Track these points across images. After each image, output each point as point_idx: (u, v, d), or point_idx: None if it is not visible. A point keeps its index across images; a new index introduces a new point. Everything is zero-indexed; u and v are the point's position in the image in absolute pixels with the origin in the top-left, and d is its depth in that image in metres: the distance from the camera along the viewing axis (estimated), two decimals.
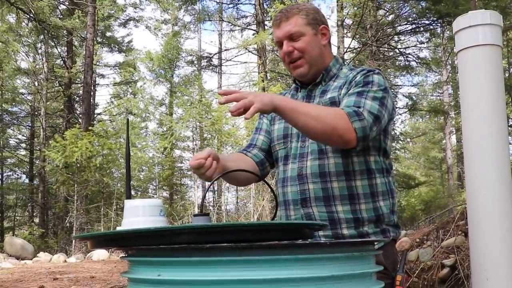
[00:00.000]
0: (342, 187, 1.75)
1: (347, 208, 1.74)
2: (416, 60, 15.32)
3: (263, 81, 14.75)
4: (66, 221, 15.63)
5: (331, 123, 1.58)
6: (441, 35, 14.75)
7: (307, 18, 1.84)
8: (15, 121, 23.29)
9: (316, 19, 1.86)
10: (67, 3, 19.44)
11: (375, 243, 1.71)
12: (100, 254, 10.93)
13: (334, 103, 1.77)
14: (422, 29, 13.81)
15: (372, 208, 1.77)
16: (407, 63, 15.19)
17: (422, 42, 15.30)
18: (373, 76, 1.76)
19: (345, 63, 1.97)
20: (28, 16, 16.78)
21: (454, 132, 21.11)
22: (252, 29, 18.29)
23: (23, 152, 24.22)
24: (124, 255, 1.27)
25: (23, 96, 22.75)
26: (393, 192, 1.85)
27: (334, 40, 14.00)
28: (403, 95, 16.97)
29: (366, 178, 1.77)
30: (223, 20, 20.13)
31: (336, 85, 1.85)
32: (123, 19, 22.95)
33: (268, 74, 16.90)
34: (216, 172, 1.67)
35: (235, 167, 1.80)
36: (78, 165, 14.26)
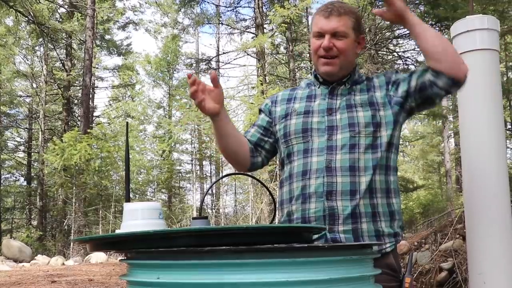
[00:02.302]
0: (366, 182, 1.77)
1: (367, 202, 1.77)
2: (415, 64, 15.33)
3: (262, 84, 14.76)
4: (64, 223, 15.62)
5: (453, 55, 1.77)
6: None
7: (355, 23, 1.87)
8: (13, 124, 23.27)
9: (360, 27, 1.90)
10: (66, 6, 19.46)
11: (387, 245, 1.76)
12: (98, 257, 10.91)
13: (372, 103, 1.84)
14: None
15: (386, 203, 1.81)
16: (405, 66, 15.19)
17: None
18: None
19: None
20: (27, 19, 16.78)
21: (452, 136, 21.09)
22: (251, 32, 18.33)
23: (21, 155, 24.21)
24: (123, 258, 1.28)
25: (20, 99, 22.74)
26: (399, 191, 1.90)
27: None
28: None
29: (384, 174, 1.82)
30: (222, 23, 20.18)
31: (361, 88, 1.91)
32: (122, 22, 23.00)
33: (266, 77, 16.93)
34: (211, 107, 1.81)
35: (233, 135, 1.95)
36: (77, 167, 14.26)
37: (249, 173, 1.82)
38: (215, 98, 1.81)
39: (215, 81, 1.81)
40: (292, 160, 1.91)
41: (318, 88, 1.96)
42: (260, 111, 2.11)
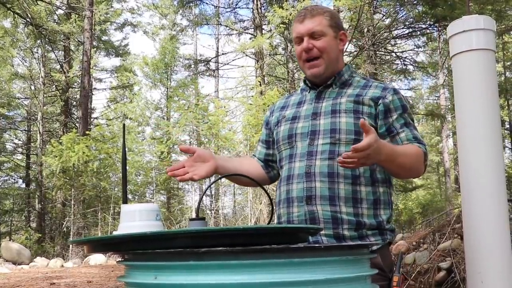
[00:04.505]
0: (347, 190, 1.78)
1: (350, 211, 1.77)
2: (413, 64, 15.35)
3: (260, 85, 14.76)
4: (63, 225, 15.59)
5: (415, 169, 1.82)
6: (438, 38, 14.79)
7: (331, 21, 1.89)
8: (11, 126, 23.24)
9: (337, 23, 1.92)
10: (64, 8, 19.44)
11: (372, 246, 1.76)
12: (97, 258, 10.90)
13: (357, 111, 1.83)
14: (418, 33, 13.85)
15: (373, 214, 1.81)
16: (404, 67, 15.22)
17: (418, 46, 15.34)
18: (402, 99, 1.89)
19: (354, 70, 2.02)
20: (25, 21, 16.76)
21: (451, 136, 21.12)
22: (249, 33, 18.31)
23: (19, 157, 24.17)
24: (120, 260, 1.28)
25: (19, 101, 22.72)
26: (392, 204, 1.91)
27: None
28: None
29: (371, 185, 1.82)
30: (221, 24, 20.16)
31: (350, 93, 1.89)
32: (119, 23, 22.98)
33: (265, 78, 16.93)
34: (204, 172, 1.78)
35: (236, 169, 1.95)
36: (75, 169, 14.25)
37: (247, 175, 1.83)
38: (203, 158, 1.81)
39: (187, 151, 1.84)
40: (282, 165, 1.96)
41: (308, 93, 1.99)
42: (263, 124, 2.17)
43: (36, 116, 21.93)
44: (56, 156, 13.81)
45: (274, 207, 1.94)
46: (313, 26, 1.86)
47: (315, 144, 1.84)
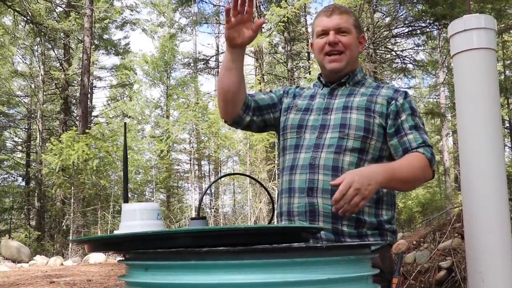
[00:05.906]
0: None
1: None
2: (413, 63, 15.35)
3: (260, 83, 14.76)
4: (63, 224, 15.60)
5: (420, 178, 1.81)
6: (437, 37, 14.79)
7: (355, 22, 1.94)
8: (11, 124, 23.23)
9: (360, 26, 1.97)
10: (64, 6, 19.42)
11: (373, 245, 1.75)
12: (97, 257, 10.90)
13: (369, 109, 1.85)
14: (418, 31, 13.85)
15: (374, 213, 1.81)
16: (403, 65, 15.21)
17: (418, 45, 15.33)
18: (412, 103, 1.91)
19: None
20: (25, 19, 16.75)
21: (450, 134, 21.12)
22: None
23: (19, 155, 24.16)
24: (121, 259, 1.28)
25: (19, 99, 22.70)
26: (395, 205, 1.91)
27: None
28: None
29: None
30: (220, 23, 20.15)
31: (364, 92, 1.92)
32: (119, 22, 22.96)
33: (265, 77, 16.93)
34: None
35: (240, 76, 1.90)
36: (75, 167, 14.24)
37: (248, 174, 1.82)
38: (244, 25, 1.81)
39: (258, 27, 1.83)
40: (285, 154, 1.95)
41: (321, 89, 2.01)
42: (271, 91, 2.10)
43: (36, 114, 21.92)
44: (56, 154, 13.81)
45: (277, 196, 1.94)
46: (340, 22, 1.89)
47: (323, 137, 1.84)
